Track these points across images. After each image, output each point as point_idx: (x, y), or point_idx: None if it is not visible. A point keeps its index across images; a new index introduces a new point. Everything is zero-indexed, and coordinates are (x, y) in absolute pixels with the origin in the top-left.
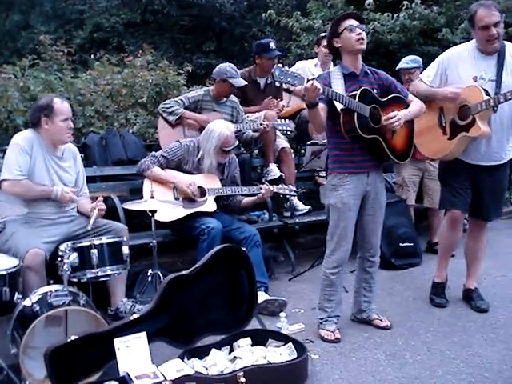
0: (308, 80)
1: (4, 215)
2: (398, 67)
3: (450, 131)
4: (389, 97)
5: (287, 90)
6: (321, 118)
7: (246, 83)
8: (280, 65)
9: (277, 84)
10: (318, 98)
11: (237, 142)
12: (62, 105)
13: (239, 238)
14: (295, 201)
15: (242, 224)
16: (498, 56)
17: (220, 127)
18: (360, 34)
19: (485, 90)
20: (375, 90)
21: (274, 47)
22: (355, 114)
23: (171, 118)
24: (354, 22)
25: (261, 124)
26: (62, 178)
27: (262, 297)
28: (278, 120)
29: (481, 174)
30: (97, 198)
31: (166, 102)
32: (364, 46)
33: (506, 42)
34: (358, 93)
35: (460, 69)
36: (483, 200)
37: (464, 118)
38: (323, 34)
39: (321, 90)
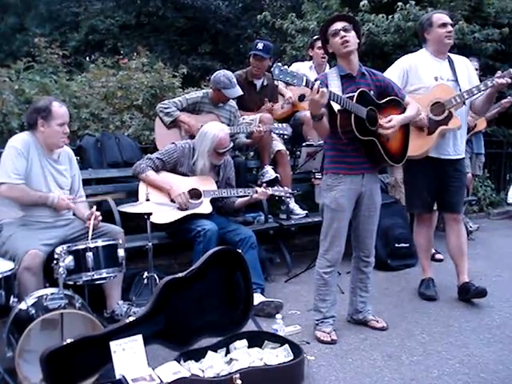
0: (308, 80)
1: (0, 218)
2: None
3: (427, 128)
4: (386, 99)
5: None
6: (326, 126)
7: (242, 93)
8: (279, 63)
9: (275, 83)
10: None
11: (231, 144)
12: (60, 109)
13: (235, 240)
14: (292, 204)
15: (238, 226)
16: (448, 61)
17: (214, 129)
18: (343, 37)
19: None
20: (372, 91)
21: (260, 47)
22: (352, 115)
23: (166, 120)
24: (338, 25)
25: (258, 127)
26: (57, 182)
27: (258, 298)
28: (275, 124)
29: (449, 168)
30: (91, 206)
31: (165, 102)
32: (350, 48)
33: (450, 54)
34: (356, 94)
35: (420, 70)
36: (453, 194)
37: (438, 114)
38: (316, 37)
39: (327, 94)
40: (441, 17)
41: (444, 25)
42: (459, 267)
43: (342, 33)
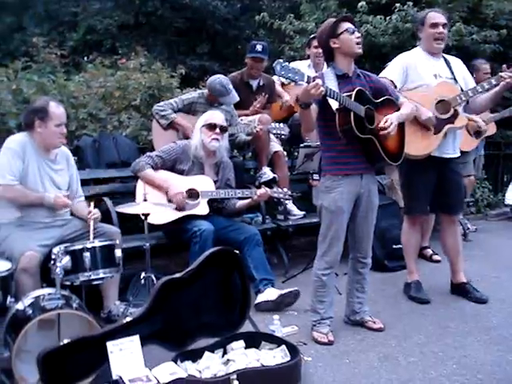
0: (309, 77)
1: None
2: None
3: (433, 127)
4: (382, 98)
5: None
6: (312, 119)
7: (238, 99)
8: (281, 60)
9: (275, 80)
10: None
11: (225, 124)
12: (57, 109)
13: (240, 239)
14: (290, 205)
15: (241, 224)
16: (444, 60)
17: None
18: (359, 37)
19: None
20: (367, 92)
21: (259, 49)
22: (351, 113)
23: (162, 122)
24: (351, 26)
25: (255, 127)
26: (54, 182)
27: (274, 293)
28: (273, 124)
29: (448, 168)
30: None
31: (161, 103)
32: (361, 51)
33: (445, 55)
34: (354, 93)
35: (418, 68)
36: (450, 195)
37: (444, 112)
38: (313, 36)
39: (323, 91)
40: (434, 16)
41: (435, 25)
42: (456, 266)
43: (358, 33)
